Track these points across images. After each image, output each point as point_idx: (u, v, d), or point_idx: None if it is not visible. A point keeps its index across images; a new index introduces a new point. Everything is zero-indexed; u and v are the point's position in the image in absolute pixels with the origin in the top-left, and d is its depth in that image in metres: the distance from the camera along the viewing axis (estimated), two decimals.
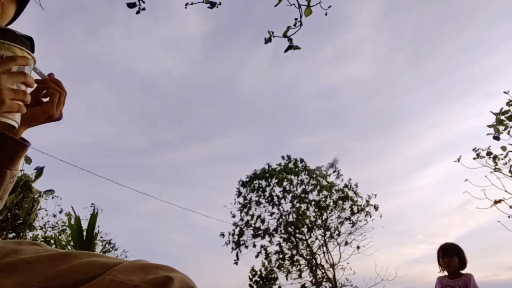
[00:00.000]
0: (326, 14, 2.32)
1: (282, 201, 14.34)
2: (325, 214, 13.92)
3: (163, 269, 0.60)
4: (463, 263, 3.12)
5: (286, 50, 2.58)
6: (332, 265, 13.23)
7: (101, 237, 10.47)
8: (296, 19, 2.46)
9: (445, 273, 3.21)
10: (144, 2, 2.86)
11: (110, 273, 0.56)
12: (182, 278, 0.58)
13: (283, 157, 14.90)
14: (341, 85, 17.71)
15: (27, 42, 0.72)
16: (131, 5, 2.91)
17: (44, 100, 0.78)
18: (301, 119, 18.95)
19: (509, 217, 6.63)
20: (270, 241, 14.16)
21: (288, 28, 2.53)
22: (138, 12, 2.88)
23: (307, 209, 14.13)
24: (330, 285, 13.04)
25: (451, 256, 3.12)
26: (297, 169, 14.56)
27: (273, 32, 2.54)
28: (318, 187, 14.23)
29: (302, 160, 14.73)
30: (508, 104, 5.94)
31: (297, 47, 2.56)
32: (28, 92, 0.67)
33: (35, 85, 0.71)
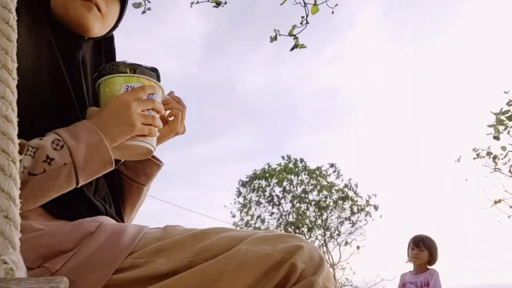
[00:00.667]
0: (332, 12, 2.34)
1: (282, 201, 14.36)
2: (325, 214, 13.94)
3: (294, 237, 0.64)
4: (432, 258, 2.93)
5: (292, 49, 2.59)
6: (332, 265, 13.25)
7: None
8: (302, 17, 2.48)
9: (411, 268, 3.06)
10: (149, 2, 2.88)
11: (246, 243, 0.62)
12: (311, 247, 0.62)
13: (283, 157, 14.93)
14: (341, 85, 17.75)
15: (153, 74, 0.80)
16: (136, 5, 2.92)
17: (170, 119, 0.86)
18: (301, 119, 18.98)
19: (509, 217, 6.66)
20: None
21: (294, 26, 2.55)
22: (143, 12, 2.89)
23: (307, 209, 14.15)
24: None
25: (421, 248, 2.93)
26: (297, 169, 14.58)
27: (278, 31, 2.57)
28: (318, 187, 14.25)
29: (302, 160, 14.75)
30: (508, 104, 5.96)
31: (302, 46, 2.57)
32: (158, 117, 0.76)
33: (164, 111, 0.79)
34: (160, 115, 0.78)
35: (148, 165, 0.91)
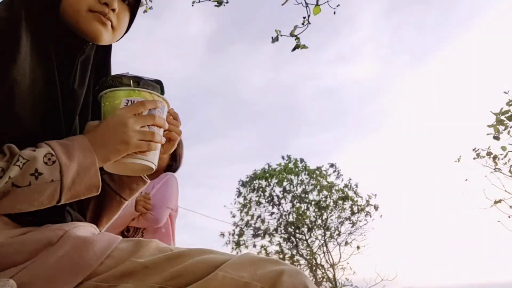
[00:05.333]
0: (334, 13, 2.34)
1: (282, 201, 14.36)
2: (325, 214, 13.93)
3: (273, 262, 0.60)
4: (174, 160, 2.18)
5: (293, 49, 2.60)
6: (332, 265, 13.25)
7: None
8: (304, 17, 2.48)
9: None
10: (151, 1, 2.88)
11: (222, 269, 0.58)
12: (293, 273, 0.57)
13: (283, 157, 14.93)
14: (342, 85, 17.76)
15: (157, 86, 0.78)
16: None
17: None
18: (302, 119, 18.99)
19: (509, 217, 6.66)
20: (270, 241, 14.18)
21: (295, 27, 2.55)
22: (145, 11, 2.90)
23: (307, 209, 14.14)
24: (330, 285, 13.06)
25: None
26: (297, 169, 14.58)
27: (280, 31, 2.57)
28: (318, 187, 14.25)
29: (302, 160, 14.75)
30: (508, 104, 5.96)
31: (304, 46, 2.57)
32: (161, 133, 0.74)
33: (167, 125, 0.76)
34: (163, 129, 0.75)
35: (134, 181, 0.87)
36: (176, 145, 0.83)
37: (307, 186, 14.39)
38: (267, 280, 0.56)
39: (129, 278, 0.59)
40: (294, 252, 13.92)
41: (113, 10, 0.78)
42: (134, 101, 0.72)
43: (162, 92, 0.79)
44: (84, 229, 0.70)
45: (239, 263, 0.59)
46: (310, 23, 2.46)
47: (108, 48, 0.89)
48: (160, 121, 0.73)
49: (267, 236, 14.22)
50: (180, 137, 0.83)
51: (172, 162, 1.87)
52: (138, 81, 0.75)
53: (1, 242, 0.60)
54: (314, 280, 13.25)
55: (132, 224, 1.64)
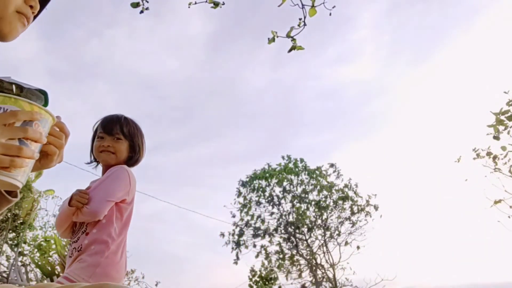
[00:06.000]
0: (330, 14, 2.33)
1: (282, 201, 14.36)
2: (325, 214, 13.93)
3: None
4: (133, 152, 1.79)
5: (289, 51, 2.59)
6: (332, 265, 13.24)
7: None
8: (300, 19, 2.47)
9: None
10: (147, 2, 2.88)
11: None
12: None
13: (283, 157, 14.93)
14: (343, 85, 17.75)
15: (42, 97, 0.71)
16: (134, 5, 2.92)
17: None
18: (302, 119, 18.98)
19: (509, 217, 6.65)
20: (270, 241, 14.17)
21: (292, 28, 2.54)
22: (141, 12, 2.89)
23: (307, 209, 14.14)
24: (330, 285, 13.05)
25: (114, 134, 1.76)
26: (297, 169, 14.57)
27: (276, 32, 2.56)
28: (318, 187, 14.25)
29: (302, 160, 14.74)
30: (508, 104, 5.96)
31: (300, 48, 2.57)
32: (36, 148, 0.66)
33: (45, 140, 0.69)
34: (40, 144, 0.68)
35: None
36: (56, 160, 0.76)
37: (307, 186, 14.39)
38: None
39: None
40: (294, 252, 13.91)
41: (33, 12, 0.78)
42: (7, 109, 0.65)
43: (46, 104, 0.72)
44: None
45: None
46: (306, 25, 2.46)
47: None
48: (35, 135, 0.65)
49: (267, 236, 14.22)
50: (65, 144, 0.76)
51: (132, 154, 1.77)
52: (21, 89, 0.69)
53: None
54: (314, 280, 13.25)
55: (73, 219, 1.64)
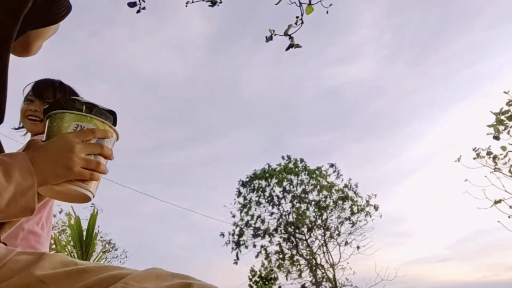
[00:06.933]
0: (327, 12, 2.32)
1: (282, 201, 14.35)
2: (325, 214, 13.92)
3: (179, 277, 0.58)
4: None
5: (287, 49, 2.58)
6: (332, 265, 13.23)
7: (101, 237, 10.47)
8: (297, 17, 2.46)
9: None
10: (144, 1, 2.86)
11: (123, 281, 0.55)
12: (201, 284, 0.56)
13: (283, 157, 14.91)
14: (343, 86, 17.74)
15: (110, 117, 0.76)
16: (131, 4, 2.91)
17: None
18: (303, 119, 18.98)
19: (509, 217, 6.63)
20: (270, 241, 14.17)
21: (289, 26, 2.53)
22: (138, 11, 2.88)
23: (307, 209, 14.13)
24: (330, 285, 13.04)
25: (44, 99, 1.53)
26: (297, 169, 14.56)
27: (274, 31, 2.55)
28: (318, 187, 14.23)
29: (302, 160, 14.73)
30: (508, 104, 5.93)
31: (298, 46, 2.55)
32: (104, 163, 0.71)
33: (113, 157, 0.74)
34: (108, 160, 0.73)
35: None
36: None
37: (307, 186, 14.38)
38: None
39: None
40: (294, 252, 13.90)
41: None
42: (84, 127, 0.70)
43: (115, 124, 0.76)
44: None
45: (143, 275, 0.57)
46: (303, 23, 2.44)
47: None
48: (108, 152, 0.71)
49: (267, 236, 14.20)
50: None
51: None
52: (92, 108, 0.73)
53: None
54: (314, 280, 13.23)
55: None
